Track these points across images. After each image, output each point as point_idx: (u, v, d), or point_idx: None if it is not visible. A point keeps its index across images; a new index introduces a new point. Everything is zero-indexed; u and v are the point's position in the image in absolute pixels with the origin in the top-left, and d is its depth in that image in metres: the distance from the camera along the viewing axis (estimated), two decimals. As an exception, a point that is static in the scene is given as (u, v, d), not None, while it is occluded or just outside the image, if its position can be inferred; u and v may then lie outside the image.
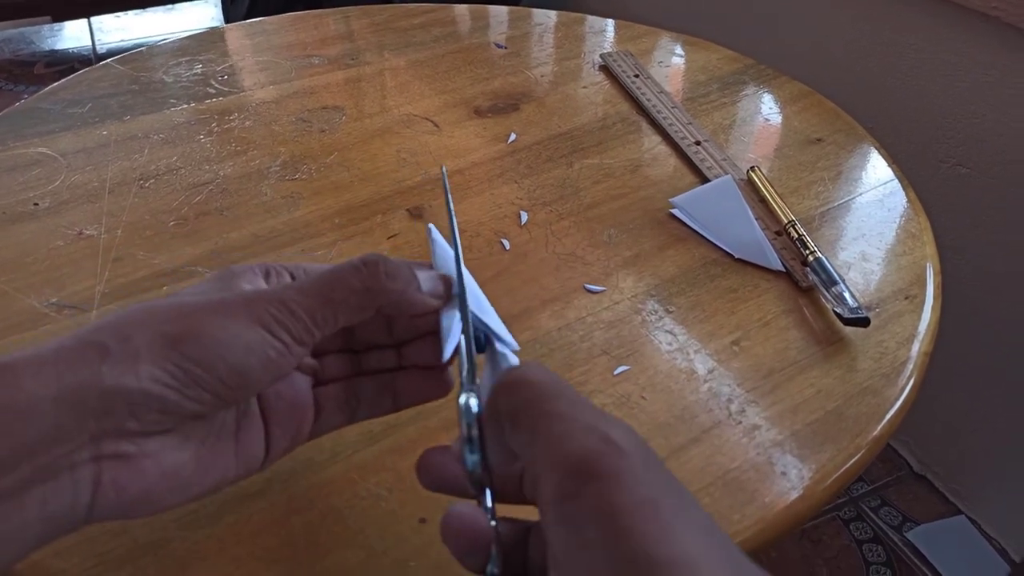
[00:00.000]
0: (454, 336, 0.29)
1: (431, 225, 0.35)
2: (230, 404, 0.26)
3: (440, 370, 0.32)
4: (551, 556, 0.22)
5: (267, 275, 0.29)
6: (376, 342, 0.32)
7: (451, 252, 0.32)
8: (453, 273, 0.31)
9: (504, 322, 0.44)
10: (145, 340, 0.24)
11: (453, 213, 0.33)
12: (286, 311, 0.26)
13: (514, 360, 0.29)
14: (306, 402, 0.30)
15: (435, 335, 0.30)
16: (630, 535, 0.19)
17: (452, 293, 0.30)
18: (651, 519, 0.20)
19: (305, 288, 0.27)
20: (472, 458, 0.25)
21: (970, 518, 1.07)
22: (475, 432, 0.25)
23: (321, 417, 0.31)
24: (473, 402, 0.26)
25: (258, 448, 0.28)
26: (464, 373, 0.27)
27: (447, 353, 0.28)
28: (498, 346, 0.29)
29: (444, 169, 0.42)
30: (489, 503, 0.26)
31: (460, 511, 0.25)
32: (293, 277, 0.30)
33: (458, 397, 0.26)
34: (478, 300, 0.31)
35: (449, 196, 0.34)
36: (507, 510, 0.26)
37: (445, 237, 0.34)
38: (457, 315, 0.30)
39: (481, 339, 0.30)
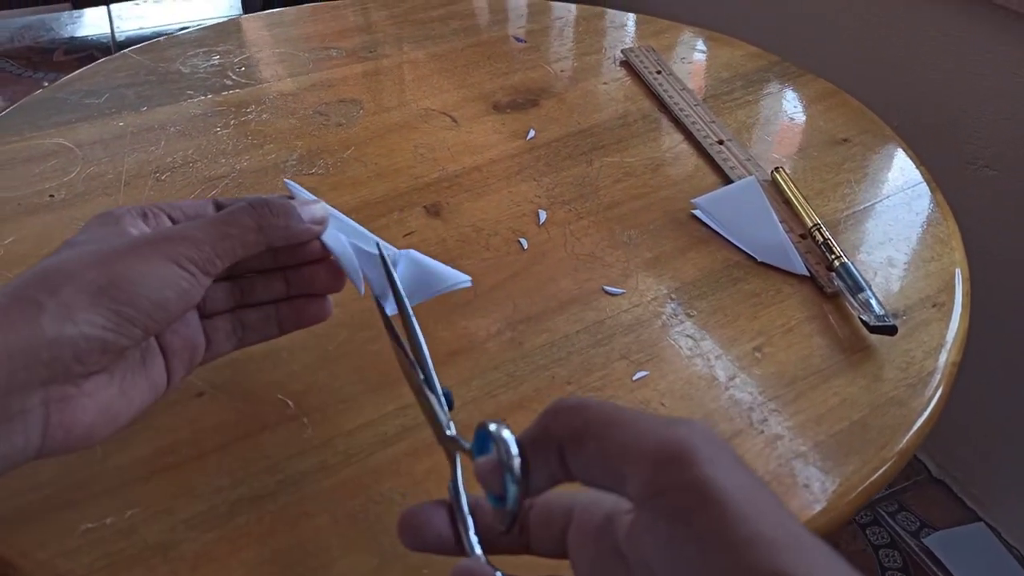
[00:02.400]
0: (349, 259, 0.34)
1: (288, 180, 0.39)
2: (152, 334, 0.30)
3: (323, 297, 0.36)
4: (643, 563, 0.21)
5: (144, 217, 0.32)
6: (259, 268, 0.35)
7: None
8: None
9: (521, 324, 0.44)
10: (76, 291, 0.27)
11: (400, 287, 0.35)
12: (191, 245, 0.29)
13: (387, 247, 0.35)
14: (197, 335, 0.33)
15: (322, 261, 0.35)
16: (743, 520, 0.19)
17: (324, 219, 0.34)
18: (755, 501, 0.19)
19: (205, 225, 0.30)
20: (513, 489, 0.24)
21: (989, 525, 1.05)
22: (517, 462, 0.24)
23: (211, 347, 0.34)
24: (507, 433, 0.24)
25: (161, 377, 0.32)
26: (441, 416, 0.29)
27: (361, 287, 0.34)
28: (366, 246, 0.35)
29: (379, 245, 0.36)
30: (478, 550, 0.26)
31: (469, 565, 0.25)
32: (171, 217, 0.33)
33: (482, 429, 0.25)
34: (353, 229, 0.35)
35: (393, 273, 0.35)
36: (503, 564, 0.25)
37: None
38: (342, 236, 0.34)
39: (450, 395, 0.31)
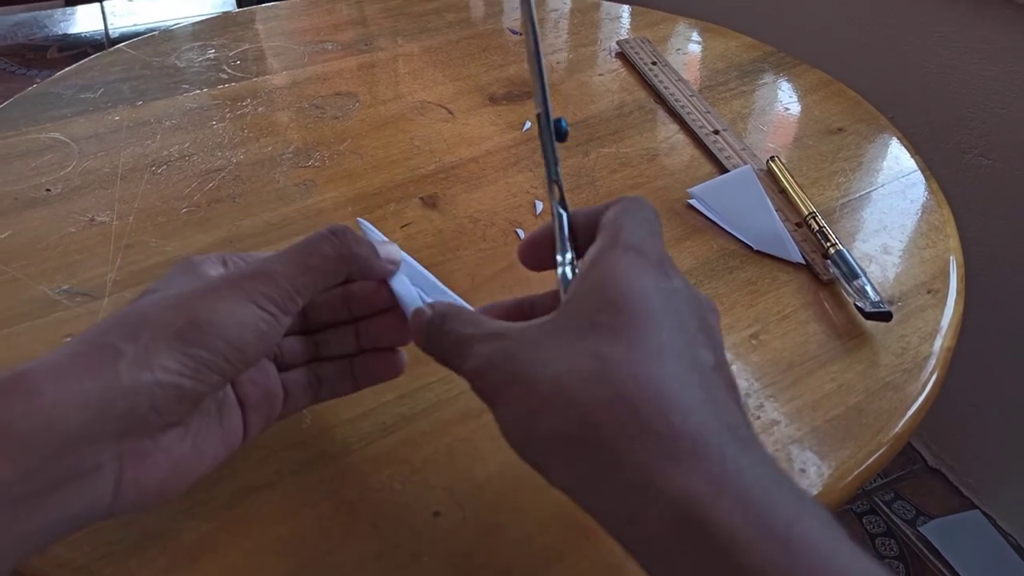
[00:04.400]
0: (409, 300, 0.32)
1: (360, 220, 0.38)
2: (229, 380, 0.28)
3: (395, 352, 0.34)
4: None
5: (224, 264, 0.31)
6: (333, 320, 0.34)
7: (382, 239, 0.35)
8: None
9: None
10: (154, 337, 0.25)
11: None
12: (270, 283, 0.28)
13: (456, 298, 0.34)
14: (276, 386, 0.32)
15: (391, 312, 0.33)
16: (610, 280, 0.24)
17: (399, 261, 0.33)
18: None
19: (283, 259, 0.29)
20: (563, 259, 0.29)
21: (984, 512, 1.06)
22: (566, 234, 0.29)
23: (289, 400, 0.33)
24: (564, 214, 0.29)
25: (238, 431, 0.30)
26: (549, 170, 0.30)
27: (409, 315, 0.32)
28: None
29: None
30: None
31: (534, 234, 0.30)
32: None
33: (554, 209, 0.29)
34: (426, 279, 0.34)
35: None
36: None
37: None
38: (406, 279, 0.33)
39: (563, 125, 0.31)
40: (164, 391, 0.25)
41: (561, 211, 0.29)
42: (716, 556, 0.19)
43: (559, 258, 0.29)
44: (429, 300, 0.33)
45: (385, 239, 0.34)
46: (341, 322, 0.34)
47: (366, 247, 0.31)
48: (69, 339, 0.26)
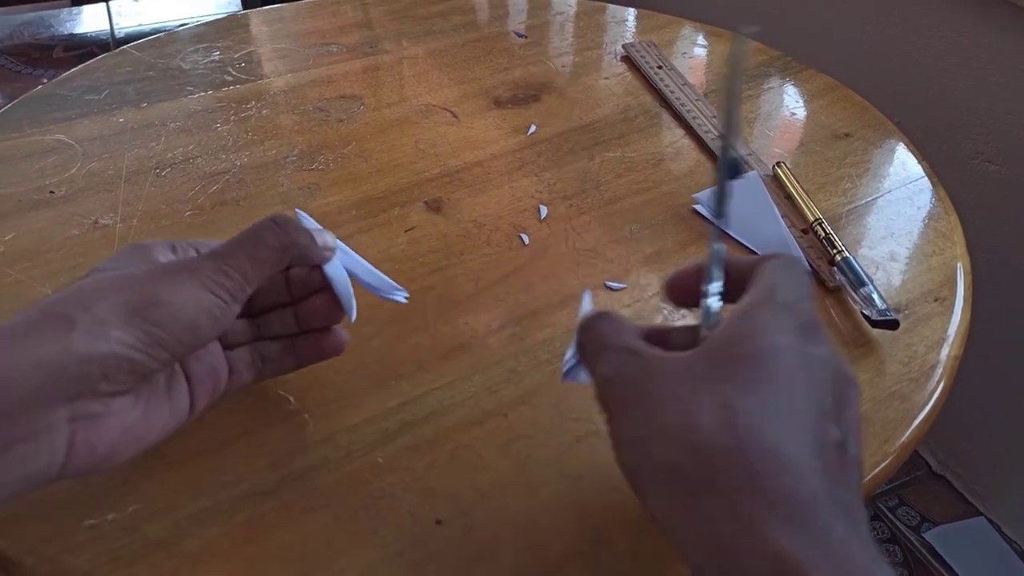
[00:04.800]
0: (344, 287, 0.35)
1: (298, 210, 0.39)
2: (179, 359, 0.30)
3: (332, 331, 0.36)
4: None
5: (174, 250, 0.33)
6: (274, 303, 0.36)
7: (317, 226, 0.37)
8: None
9: (522, 320, 0.44)
10: (109, 309, 0.27)
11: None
12: (222, 273, 0.30)
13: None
14: (221, 364, 0.34)
15: (326, 292, 0.35)
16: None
17: (335, 248, 0.35)
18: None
19: (233, 251, 0.31)
20: (710, 301, 0.29)
21: (989, 519, 1.05)
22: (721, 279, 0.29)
23: (233, 376, 0.35)
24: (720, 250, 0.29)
25: (185, 404, 0.32)
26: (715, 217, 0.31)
27: (352, 315, 0.35)
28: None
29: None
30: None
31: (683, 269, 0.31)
32: (198, 251, 0.34)
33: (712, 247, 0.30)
34: (360, 264, 0.37)
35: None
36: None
37: None
38: (339, 264, 0.35)
39: (739, 161, 0.31)
40: (117, 361, 0.27)
41: (720, 245, 0.29)
42: None
43: (705, 288, 0.29)
44: (365, 282, 0.36)
45: (320, 227, 0.36)
46: (281, 304, 0.36)
47: (305, 235, 0.33)
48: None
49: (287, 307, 0.36)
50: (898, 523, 1.05)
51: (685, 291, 0.31)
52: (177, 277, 0.29)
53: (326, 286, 0.35)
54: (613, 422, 0.26)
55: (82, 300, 0.27)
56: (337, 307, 0.35)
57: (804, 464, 0.22)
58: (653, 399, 0.25)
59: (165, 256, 0.32)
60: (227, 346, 0.35)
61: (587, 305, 0.35)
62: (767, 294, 0.26)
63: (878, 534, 1.04)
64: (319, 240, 0.34)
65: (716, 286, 0.29)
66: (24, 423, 0.25)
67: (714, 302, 0.29)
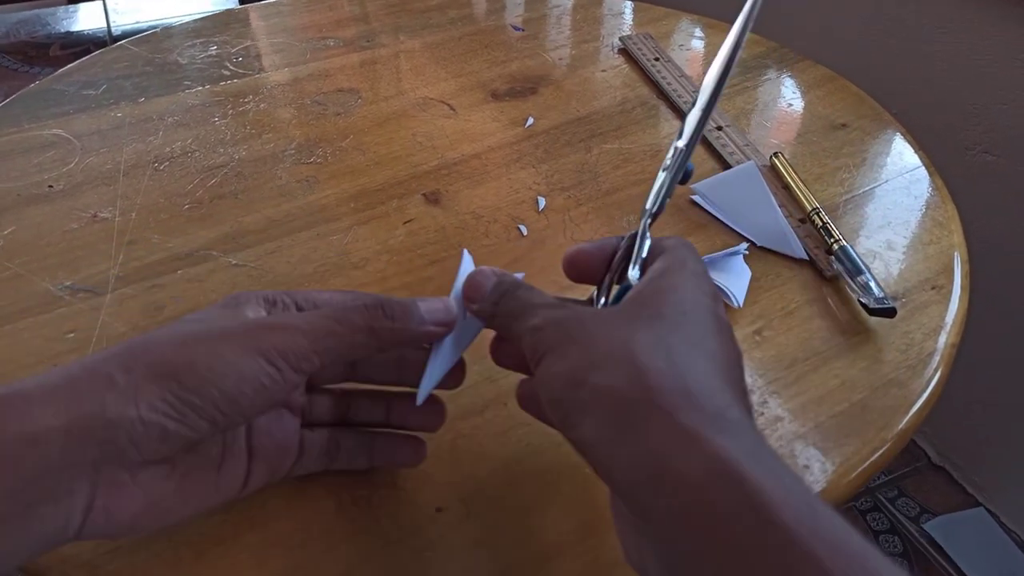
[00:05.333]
0: (441, 367, 0.31)
1: (465, 251, 0.35)
2: (224, 430, 0.27)
3: (419, 440, 0.34)
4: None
5: (273, 304, 0.30)
6: (378, 379, 0.34)
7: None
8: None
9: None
10: (144, 371, 0.25)
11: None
12: (288, 338, 0.27)
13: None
14: (292, 444, 0.31)
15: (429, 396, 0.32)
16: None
17: (454, 320, 0.31)
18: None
19: (311, 317, 0.28)
20: (634, 273, 0.31)
21: (988, 510, 1.05)
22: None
23: (302, 459, 0.32)
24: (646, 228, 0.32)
25: (237, 480, 0.30)
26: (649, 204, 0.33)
27: (420, 398, 0.31)
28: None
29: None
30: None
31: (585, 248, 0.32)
32: (299, 307, 0.31)
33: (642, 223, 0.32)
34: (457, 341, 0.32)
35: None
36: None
37: None
38: (448, 345, 0.31)
39: (689, 169, 0.34)
40: (146, 428, 0.25)
41: (647, 237, 0.32)
42: (750, 512, 0.21)
43: (631, 271, 0.31)
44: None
45: (470, 271, 0.32)
46: (384, 382, 0.33)
47: (401, 319, 0.29)
48: (72, 334, 0.27)
49: (382, 397, 0.34)
50: (897, 514, 1.05)
51: (586, 269, 0.32)
52: (232, 338, 0.27)
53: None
54: (544, 360, 0.26)
55: (128, 359, 0.26)
56: (436, 413, 0.33)
57: (730, 392, 0.24)
58: (589, 334, 0.26)
59: (255, 312, 0.29)
60: (308, 423, 0.32)
61: (467, 264, 0.34)
62: (679, 264, 0.29)
63: (877, 525, 1.04)
64: (429, 316, 0.30)
65: (637, 271, 0.31)
66: (46, 486, 0.24)
67: (635, 279, 0.31)
